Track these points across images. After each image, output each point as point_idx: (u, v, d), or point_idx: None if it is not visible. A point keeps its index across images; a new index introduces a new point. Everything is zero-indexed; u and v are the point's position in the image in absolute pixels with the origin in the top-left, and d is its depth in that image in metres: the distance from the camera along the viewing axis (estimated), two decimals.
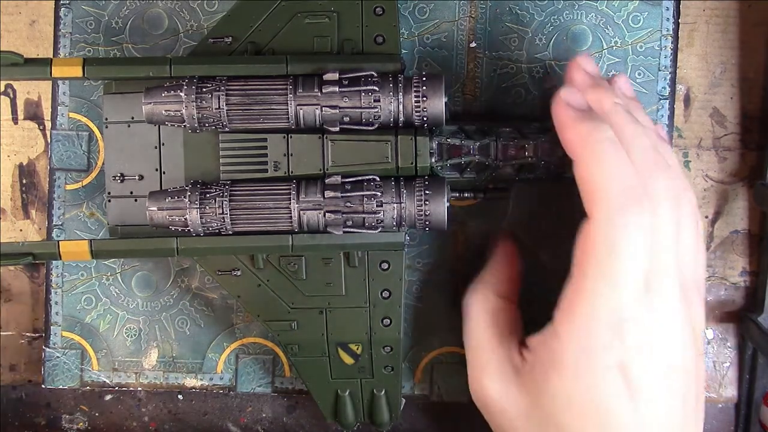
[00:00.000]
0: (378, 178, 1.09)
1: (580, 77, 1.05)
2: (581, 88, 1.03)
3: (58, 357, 1.31)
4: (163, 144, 1.14)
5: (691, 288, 0.96)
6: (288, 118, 1.08)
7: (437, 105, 1.08)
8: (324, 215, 1.08)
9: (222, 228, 1.09)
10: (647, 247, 0.90)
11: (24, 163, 1.32)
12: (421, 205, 1.08)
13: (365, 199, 1.08)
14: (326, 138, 1.10)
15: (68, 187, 1.30)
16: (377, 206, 1.08)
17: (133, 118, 1.14)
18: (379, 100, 1.07)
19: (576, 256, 0.93)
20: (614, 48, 1.26)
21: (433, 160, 1.12)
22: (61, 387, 1.32)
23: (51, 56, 1.28)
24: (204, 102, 1.07)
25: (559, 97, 0.99)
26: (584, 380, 0.92)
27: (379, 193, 1.08)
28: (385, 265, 1.16)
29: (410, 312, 1.29)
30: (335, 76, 1.07)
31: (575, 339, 0.91)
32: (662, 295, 0.91)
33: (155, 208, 1.09)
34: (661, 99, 1.26)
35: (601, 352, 0.90)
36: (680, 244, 0.94)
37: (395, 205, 1.09)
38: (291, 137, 1.11)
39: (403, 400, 1.30)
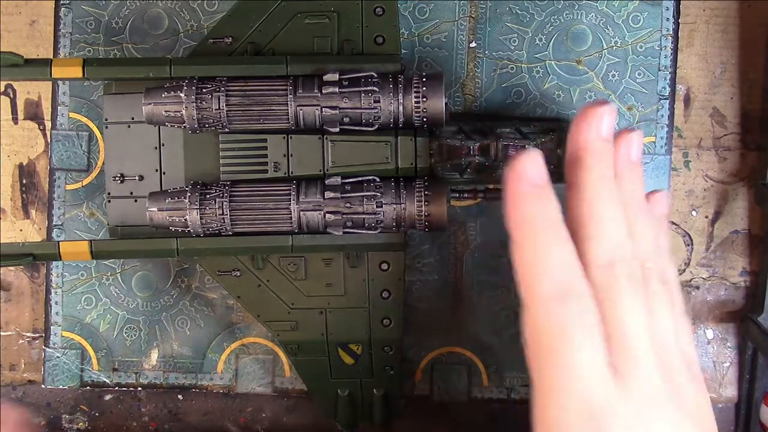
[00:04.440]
0: (378, 179, 1.10)
1: (583, 137, 0.92)
2: (576, 151, 0.91)
3: (58, 357, 1.31)
4: (163, 144, 1.14)
5: (678, 368, 0.87)
6: (288, 118, 1.08)
7: (437, 105, 1.08)
8: (324, 216, 1.08)
9: (222, 229, 1.09)
10: (596, 333, 0.82)
11: (24, 163, 1.32)
12: (421, 206, 1.09)
13: (365, 199, 1.08)
14: (326, 139, 1.10)
15: (68, 187, 1.30)
16: (377, 207, 1.08)
17: (133, 118, 1.14)
18: (379, 101, 1.07)
19: (527, 351, 0.85)
20: (614, 48, 1.26)
21: (433, 160, 1.12)
22: (61, 387, 1.32)
23: (51, 56, 1.28)
24: (204, 103, 1.07)
25: (516, 167, 0.86)
26: None
27: (379, 194, 1.08)
28: (385, 266, 1.16)
29: (410, 312, 1.29)
30: (335, 76, 1.07)
31: None
32: (637, 379, 0.82)
33: (155, 209, 1.09)
34: (661, 99, 1.26)
35: None
36: (654, 324, 0.86)
37: (395, 205, 1.09)
38: (291, 138, 1.11)
39: (403, 400, 1.30)
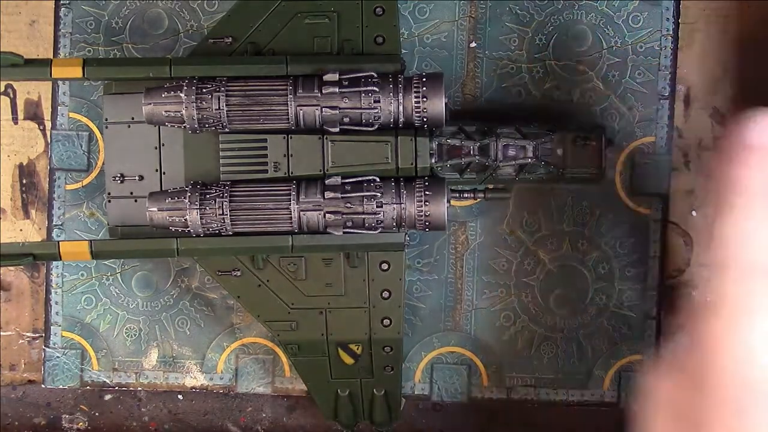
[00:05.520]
0: (378, 179, 1.10)
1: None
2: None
3: (58, 357, 1.31)
4: (163, 144, 1.14)
5: None
6: (288, 118, 1.08)
7: (437, 105, 1.08)
8: (324, 216, 1.08)
9: (222, 229, 1.09)
10: None
11: (24, 163, 1.32)
12: (421, 206, 1.08)
13: (365, 199, 1.08)
14: (326, 139, 1.10)
15: (68, 187, 1.30)
16: (377, 207, 1.08)
17: (133, 118, 1.14)
18: (379, 101, 1.07)
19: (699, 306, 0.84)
20: (614, 48, 1.26)
21: (433, 160, 1.12)
22: (61, 387, 1.32)
23: (51, 56, 1.28)
24: (204, 103, 1.07)
25: (754, 121, 0.82)
26: None
27: (379, 194, 1.08)
28: (385, 266, 1.16)
29: (410, 312, 1.29)
30: (335, 76, 1.07)
31: None
32: None
33: (155, 209, 1.09)
34: (661, 99, 1.26)
35: None
36: None
37: (395, 205, 1.09)
38: (291, 138, 1.11)
39: (403, 400, 1.30)
